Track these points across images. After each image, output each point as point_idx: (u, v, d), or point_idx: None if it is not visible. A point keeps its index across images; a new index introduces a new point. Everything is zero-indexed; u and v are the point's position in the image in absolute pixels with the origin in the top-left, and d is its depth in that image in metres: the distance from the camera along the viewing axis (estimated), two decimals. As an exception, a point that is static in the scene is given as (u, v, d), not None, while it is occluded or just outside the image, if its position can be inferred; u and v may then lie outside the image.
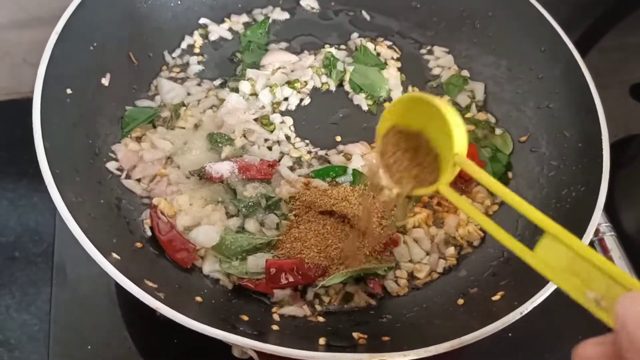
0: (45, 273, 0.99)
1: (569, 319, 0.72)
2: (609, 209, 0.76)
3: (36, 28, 1.06)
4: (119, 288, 0.67)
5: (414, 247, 0.70)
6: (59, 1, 0.98)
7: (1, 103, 1.18)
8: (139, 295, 0.54)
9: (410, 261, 0.69)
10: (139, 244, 0.65)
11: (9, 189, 1.10)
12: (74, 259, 0.73)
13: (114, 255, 0.57)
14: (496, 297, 0.62)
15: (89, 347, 0.68)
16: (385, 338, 0.59)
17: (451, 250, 0.70)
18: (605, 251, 0.75)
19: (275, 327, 0.60)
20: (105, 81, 0.73)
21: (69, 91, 0.68)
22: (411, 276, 0.68)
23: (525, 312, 0.57)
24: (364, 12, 0.90)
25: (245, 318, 0.60)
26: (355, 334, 0.60)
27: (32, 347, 0.95)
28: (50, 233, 1.03)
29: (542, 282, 0.59)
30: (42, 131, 0.62)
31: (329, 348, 0.56)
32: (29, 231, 1.07)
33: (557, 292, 0.58)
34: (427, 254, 0.70)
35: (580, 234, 0.62)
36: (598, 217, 0.63)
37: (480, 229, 0.72)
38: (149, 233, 0.67)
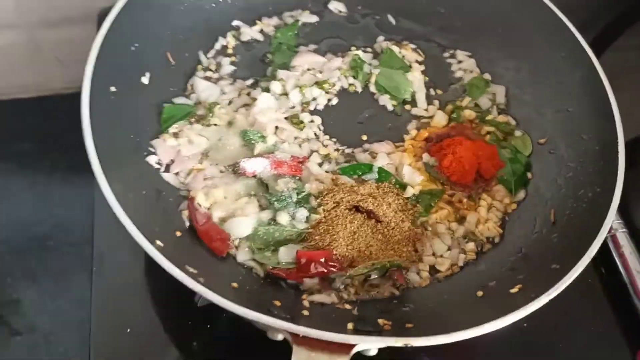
0: (78, 262, 1.03)
1: (583, 311, 0.76)
2: (621, 206, 0.78)
3: (67, 27, 1.11)
4: (156, 275, 0.71)
5: (436, 242, 0.73)
6: (92, 1, 1.03)
7: (33, 99, 1.22)
8: (182, 279, 0.58)
9: (433, 255, 0.72)
10: (178, 233, 0.69)
11: (41, 182, 1.15)
12: (112, 248, 0.76)
13: (158, 242, 0.62)
14: (514, 290, 0.65)
15: (128, 330, 0.72)
16: (409, 325, 0.62)
17: (471, 245, 0.73)
18: (617, 247, 0.78)
19: (305, 313, 0.64)
20: (145, 80, 0.78)
21: (112, 89, 0.72)
22: (433, 269, 0.72)
23: (542, 304, 0.60)
24: (389, 16, 0.93)
25: (278, 303, 0.64)
26: (380, 320, 0.63)
27: (67, 333, 0.99)
28: (82, 224, 1.07)
29: (558, 276, 0.63)
30: (90, 126, 0.66)
31: (356, 332, 0.60)
32: (61, 222, 1.11)
33: (573, 286, 0.62)
34: (449, 248, 0.73)
35: (595, 232, 0.65)
36: (612, 217, 0.67)
37: (500, 226, 0.75)
38: (187, 223, 0.71)
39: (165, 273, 0.59)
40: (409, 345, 0.56)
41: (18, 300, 1.04)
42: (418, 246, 0.72)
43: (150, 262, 0.60)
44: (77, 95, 1.23)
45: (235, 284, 0.65)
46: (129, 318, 0.72)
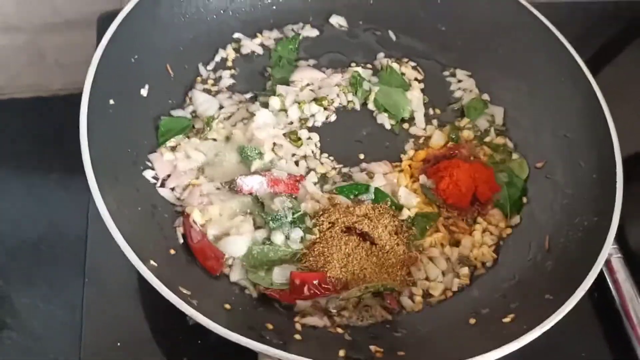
0: (71, 266, 1.03)
1: (576, 336, 0.75)
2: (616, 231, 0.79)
3: (68, 31, 1.10)
4: (148, 288, 0.71)
5: (430, 266, 0.73)
6: (92, 6, 1.02)
7: (30, 100, 1.22)
8: (176, 302, 0.58)
9: (427, 279, 0.73)
10: (172, 251, 0.69)
11: (37, 184, 1.14)
12: (105, 258, 0.75)
13: (152, 262, 0.62)
14: (507, 319, 0.65)
15: (119, 343, 0.72)
16: (401, 353, 0.63)
17: (465, 270, 0.73)
18: (611, 273, 0.78)
19: (298, 337, 0.64)
20: (144, 92, 0.77)
21: (111, 102, 0.72)
22: (426, 293, 0.72)
23: (535, 336, 0.60)
24: (390, 32, 0.93)
25: (270, 327, 0.64)
26: (372, 347, 0.63)
27: (57, 338, 1.00)
28: (77, 227, 1.07)
29: (552, 308, 0.63)
30: (88, 140, 0.65)
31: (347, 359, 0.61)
32: (55, 226, 1.11)
33: (570, 316, 0.62)
34: (443, 273, 0.73)
35: (590, 264, 0.65)
36: (608, 249, 0.67)
37: (494, 251, 0.75)
38: (181, 240, 0.71)
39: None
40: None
41: (10, 302, 1.04)
42: (412, 270, 0.72)
43: (139, 274, 0.59)
44: (74, 97, 1.23)
45: (228, 306, 0.65)
46: (120, 331, 0.72)
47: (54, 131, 1.20)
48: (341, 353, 0.61)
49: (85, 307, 0.75)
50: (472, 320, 0.68)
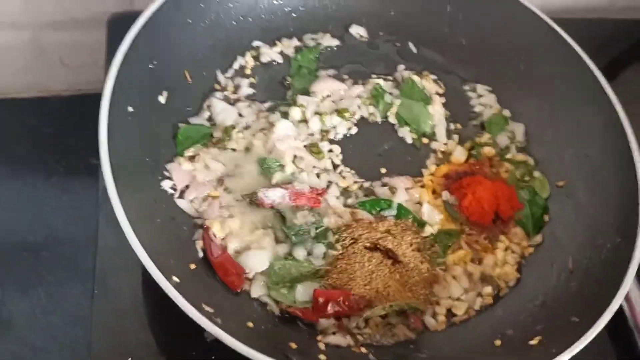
0: (73, 275, 0.99)
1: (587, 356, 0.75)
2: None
3: (74, 30, 1.07)
4: (160, 302, 0.68)
5: (452, 284, 0.72)
6: (101, 5, 1.00)
7: (31, 100, 1.18)
8: (202, 322, 0.56)
9: (449, 297, 0.71)
10: (192, 265, 0.67)
11: (38, 187, 1.11)
12: (115, 270, 0.73)
13: (175, 278, 0.59)
14: (534, 342, 0.64)
15: (130, 359, 0.69)
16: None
17: (488, 289, 0.72)
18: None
19: (322, 357, 0.62)
20: (162, 99, 0.75)
21: (130, 109, 0.69)
22: (449, 312, 0.71)
23: (564, 361, 0.59)
24: (410, 44, 0.92)
25: (294, 346, 0.62)
26: (397, 366, 0.62)
27: (57, 350, 0.96)
28: (79, 234, 1.03)
29: (579, 331, 0.62)
30: (108, 149, 0.63)
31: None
32: (57, 231, 1.07)
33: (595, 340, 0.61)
34: (466, 291, 0.72)
35: (616, 287, 0.65)
36: (634, 272, 0.66)
37: (517, 270, 0.74)
38: (201, 254, 0.68)
39: (171, 303, 0.56)
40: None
41: (7, 311, 1.00)
42: (435, 288, 0.71)
43: (150, 285, 0.57)
44: (77, 98, 1.20)
45: (250, 324, 0.63)
46: (130, 346, 0.69)
47: (56, 133, 1.17)
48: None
49: (93, 321, 0.72)
50: (498, 342, 0.67)
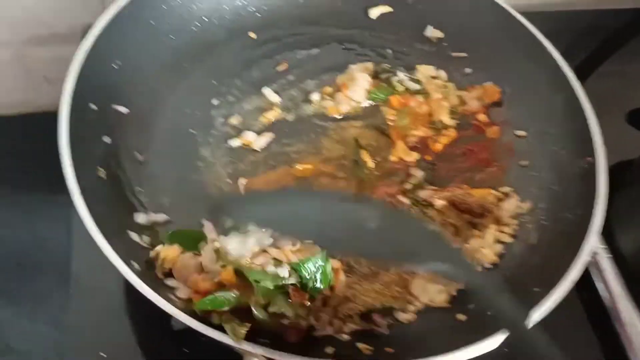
0: (55, 283, 1.00)
1: (566, 336, 0.74)
2: (605, 231, 0.79)
3: (56, 44, 1.10)
4: (133, 297, 0.69)
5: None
6: (80, 17, 1.02)
7: (20, 117, 1.21)
8: (157, 301, 0.57)
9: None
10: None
11: (23, 199, 1.13)
12: (90, 269, 0.75)
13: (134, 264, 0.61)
14: (495, 313, 0.64)
15: (103, 354, 0.70)
16: (389, 349, 0.62)
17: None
18: (600, 272, 0.78)
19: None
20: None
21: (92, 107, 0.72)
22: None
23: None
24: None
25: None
26: (359, 344, 0.63)
27: (43, 355, 0.97)
28: (62, 243, 1.05)
29: (539, 300, 0.62)
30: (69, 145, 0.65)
31: (336, 357, 0.59)
32: (40, 241, 1.09)
33: (554, 311, 0.62)
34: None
35: (575, 256, 0.66)
36: (593, 240, 0.67)
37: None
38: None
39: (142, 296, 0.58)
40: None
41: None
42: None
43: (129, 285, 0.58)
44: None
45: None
46: (104, 342, 0.70)
47: (40, 147, 1.19)
48: (329, 350, 0.60)
49: (68, 319, 0.74)
50: (462, 317, 0.67)
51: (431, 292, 0.69)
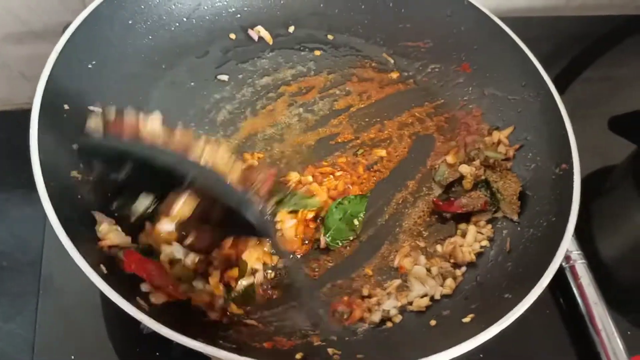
0: (33, 283, 1.00)
1: (541, 342, 0.75)
2: (580, 238, 0.79)
3: (34, 42, 1.09)
4: (104, 300, 0.69)
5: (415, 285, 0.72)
6: (58, 16, 1.01)
7: (-2, 113, 1.20)
8: (126, 308, 0.56)
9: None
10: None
11: (2, 198, 1.12)
12: (62, 270, 0.74)
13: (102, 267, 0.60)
14: (466, 319, 0.65)
15: (73, 357, 0.69)
16: (359, 356, 0.61)
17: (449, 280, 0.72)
18: (575, 278, 0.78)
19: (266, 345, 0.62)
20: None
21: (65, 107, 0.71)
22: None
23: (493, 334, 0.59)
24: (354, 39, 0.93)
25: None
26: (329, 350, 0.62)
27: (18, 356, 0.96)
28: (39, 242, 1.04)
29: (510, 306, 0.62)
30: (38, 144, 0.64)
31: (305, 362, 0.59)
32: (19, 241, 1.08)
33: (531, 317, 0.62)
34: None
35: (548, 262, 0.65)
36: (566, 246, 0.67)
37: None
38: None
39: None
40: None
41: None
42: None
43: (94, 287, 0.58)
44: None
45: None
46: (74, 344, 0.69)
47: (20, 145, 1.18)
48: (298, 356, 0.60)
49: (38, 320, 0.73)
50: (433, 322, 0.67)
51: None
